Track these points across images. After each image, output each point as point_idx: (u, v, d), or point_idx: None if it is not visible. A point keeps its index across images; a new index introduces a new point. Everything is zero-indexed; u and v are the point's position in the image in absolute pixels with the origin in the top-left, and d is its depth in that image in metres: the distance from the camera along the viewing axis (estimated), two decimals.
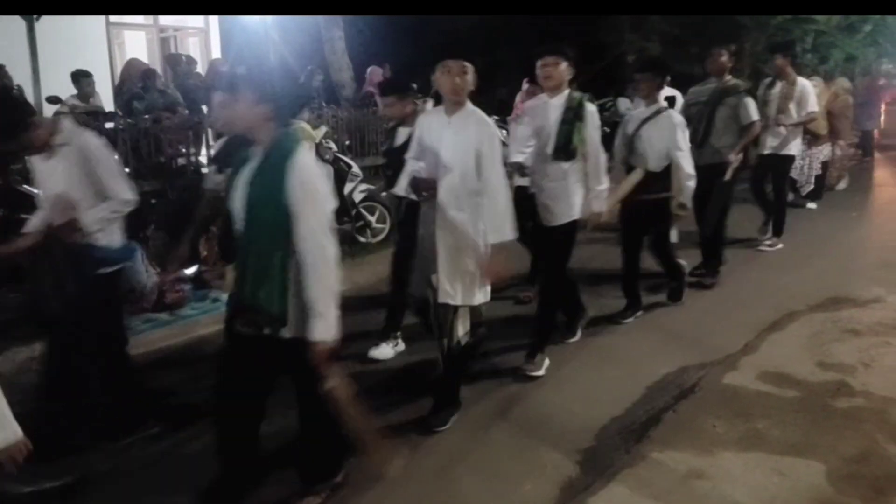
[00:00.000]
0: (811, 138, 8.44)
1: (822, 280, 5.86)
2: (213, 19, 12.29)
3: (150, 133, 7.29)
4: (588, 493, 3.02)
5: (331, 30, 10.88)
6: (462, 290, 3.48)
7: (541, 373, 4.16)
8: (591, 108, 4.14)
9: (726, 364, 4.31)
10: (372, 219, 7.25)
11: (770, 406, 3.77)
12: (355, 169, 7.18)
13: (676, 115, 4.98)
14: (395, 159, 4.19)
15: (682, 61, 16.80)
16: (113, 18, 11.02)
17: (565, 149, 4.10)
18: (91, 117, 7.44)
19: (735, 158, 5.65)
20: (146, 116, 7.54)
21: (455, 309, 3.49)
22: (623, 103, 12.46)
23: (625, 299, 5.17)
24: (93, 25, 10.38)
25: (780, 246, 6.92)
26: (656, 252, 5.32)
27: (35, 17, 8.79)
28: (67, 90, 8.02)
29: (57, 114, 7.66)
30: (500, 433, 3.55)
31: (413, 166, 3.68)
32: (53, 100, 7.78)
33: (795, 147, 6.87)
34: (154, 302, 5.32)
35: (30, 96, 8.20)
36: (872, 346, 4.53)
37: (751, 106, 5.78)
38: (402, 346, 4.59)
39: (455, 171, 3.42)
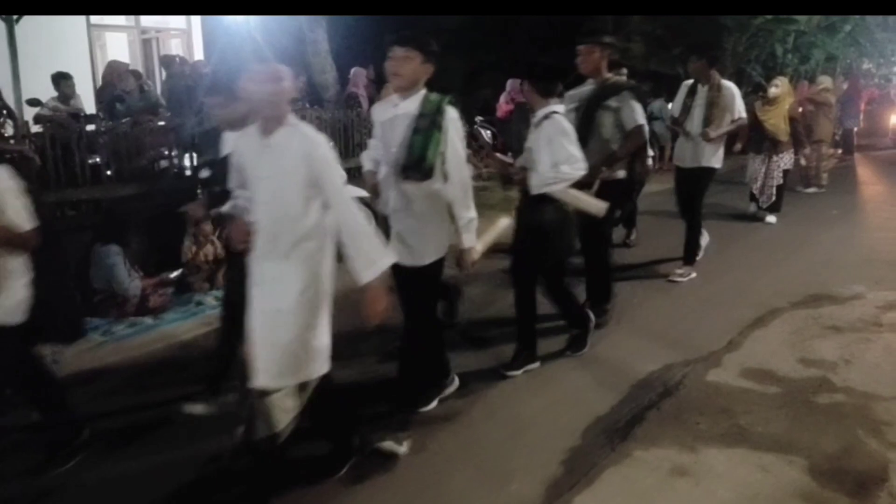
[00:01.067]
0: (770, 145, 8.04)
1: (803, 277, 5.92)
2: (196, 21, 12.21)
3: (132, 135, 7.22)
4: (573, 492, 3.03)
5: (314, 31, 10.84)
6: (281, 365, 2.74)
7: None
8: (451, 115, 3.35)
9: (710, 361, 4.34)
10: None
11: (753, 402, 3.80)
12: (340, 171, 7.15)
13: (562, 121, 4.02)
14: (222, 172, 3.33)
15: (664, 63, 16.99)
16: (94, 19, 10.92)
17: (418, 166, 3.30)
18: (72, 119, 7.38)
19: (605, 172, 4.66)
20: (125, 120, 7.47)
21: (269, 393, 2.74)
22: None
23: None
24: (74, 27, 10.29)
25: (694, 275, 5.98)
26: (550, 292, 4.40)
27: (15, 18, 8.70)
28: (48, 92, 7.94)
29: (37, 116, 7.60)
30: (485, 434, 3.55)
31: (239, 199, 2.98)
32: (34, 102, 7.71)
33: (718, 158, 5.95)
34: (137, 306, 5.30)
35: (9, 98, 8.12)
36: (853, 342, 4.57)
37: (636, 108, 4.75)
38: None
39: (274, 209, 2.74)
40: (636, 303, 5.43)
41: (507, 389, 4.01)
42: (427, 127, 3.29)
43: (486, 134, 11.96)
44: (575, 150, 3.99)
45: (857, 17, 15.89)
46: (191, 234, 5.82)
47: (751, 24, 15.61)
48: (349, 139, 9.44)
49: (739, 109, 5.98)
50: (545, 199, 4.01)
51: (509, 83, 12.28)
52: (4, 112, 7.24)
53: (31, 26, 8.90)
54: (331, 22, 11.84)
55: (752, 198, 8.46)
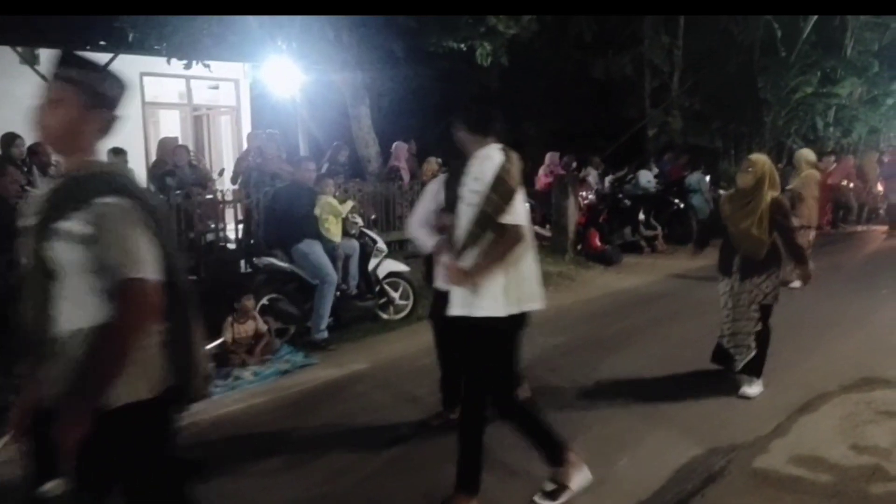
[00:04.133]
0: (742, 264, 4.91)
1: (853, 360, 5.72)
2: (245, 98, 12.82)
3: (182, 208, 7.46)
4: None
5: (357, 106, 11.23)
6: None
7: None
8: None
9: (756, 447, 4.19)
10: (395, 295, 7.28)
11: (803, 491, 3.65)
12: (380, 244, 7.28)
13: None
14: None
15: (701, 135, 17.12)
16: (148, 98, 11.55)
17: None
18: None
19: (82, 408, 2.02)
20: (177, 192, 7.73)
21: None
22: (644, 176, 12.55)
23: None
24: (128, 104, 10.80)
25: None
26: None
27: None
28: None
29: None
30: None
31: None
32: None
33: (496, 300, 3.21)
34: None
35: None
36: None
37: (125, 234, 2.11)
38: None
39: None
40: (678, 383, 5.30)
41: (543, 478, 3.91)
42: None
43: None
44: None
45: None
46: (233, 310, 5.92)
47: (790, 98, 15.73)
48: (391, 211, 9.62)
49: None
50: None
51: (548, 156, 12.46)
52: None
53: None
54: (374, 98, 12.29)
55: (719, 352, 5.22)
